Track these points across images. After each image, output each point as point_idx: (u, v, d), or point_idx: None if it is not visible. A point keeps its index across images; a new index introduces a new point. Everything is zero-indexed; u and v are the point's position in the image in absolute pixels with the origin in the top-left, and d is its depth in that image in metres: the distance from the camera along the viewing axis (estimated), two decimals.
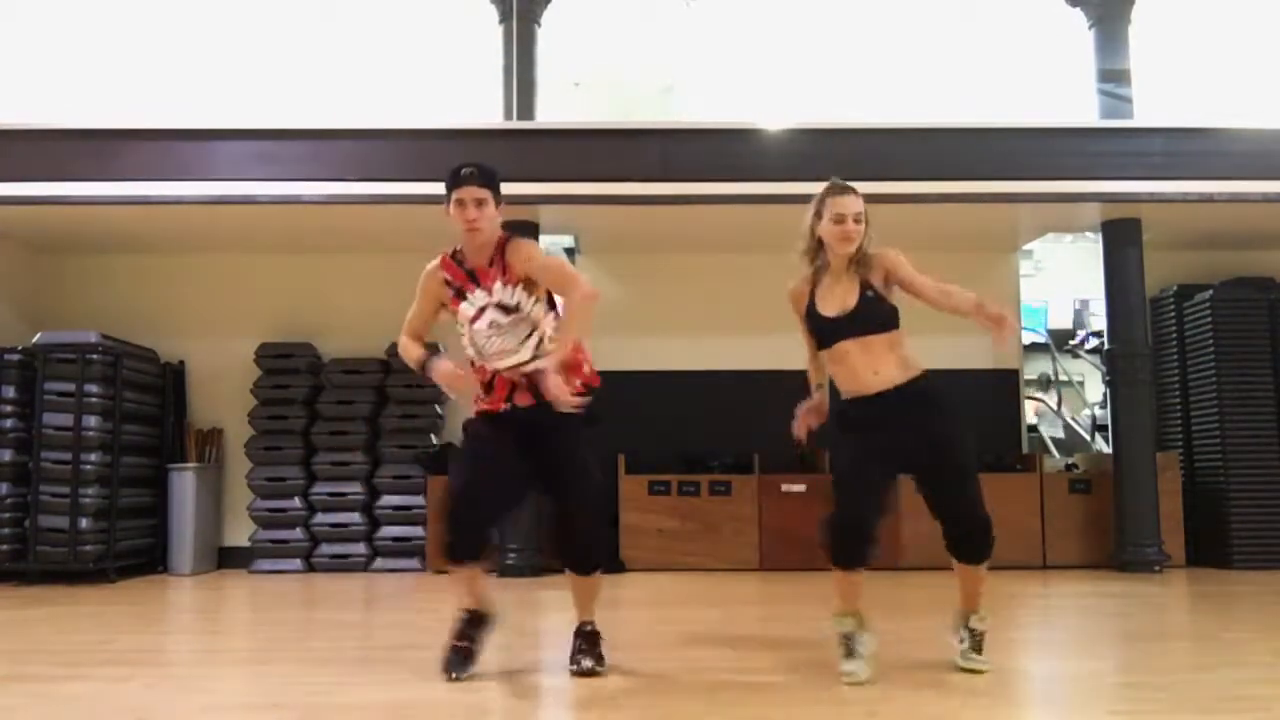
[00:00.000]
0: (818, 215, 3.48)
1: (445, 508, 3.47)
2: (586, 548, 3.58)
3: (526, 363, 3.43)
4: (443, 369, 3.42)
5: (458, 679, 3.37)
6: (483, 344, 3.47)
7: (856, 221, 3.41)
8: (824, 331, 3.48)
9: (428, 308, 3.60)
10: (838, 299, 3.46)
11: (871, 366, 3.41)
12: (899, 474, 3.47)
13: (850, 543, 3.36)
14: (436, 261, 3.56)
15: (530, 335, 3.45)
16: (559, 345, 3.37)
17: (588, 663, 3.47)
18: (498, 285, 3.45)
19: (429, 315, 3.61)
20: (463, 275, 3.50)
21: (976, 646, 3.48)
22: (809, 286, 3.54)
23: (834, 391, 3.57)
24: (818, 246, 3.51)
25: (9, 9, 7.96)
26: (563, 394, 3.25)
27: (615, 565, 6.99)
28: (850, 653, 3.39)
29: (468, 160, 3.50)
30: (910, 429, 3.37)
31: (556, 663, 3.61)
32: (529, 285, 3.45)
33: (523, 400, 3.45)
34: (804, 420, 3.56)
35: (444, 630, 3.56)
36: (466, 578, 3.54)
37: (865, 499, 3.36)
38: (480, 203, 3.42)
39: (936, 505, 3.46)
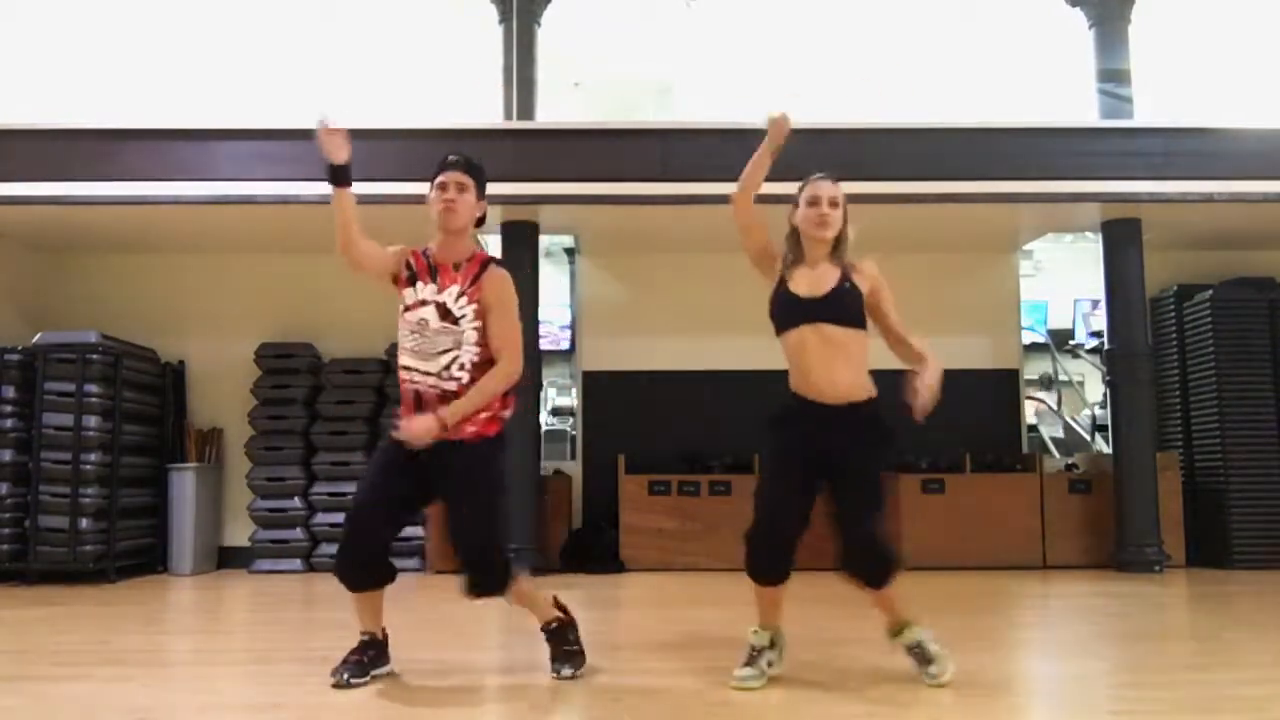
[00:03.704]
0: (795, 204, 3.43)
1: (344, 538, 3.38)
2: (475, 571, 3.35)
3: (434, 374, 3.32)
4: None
5: (346, 683, 3.30)
6: (403, 335, 3.39)
7: (833, 206, 3.34)
8: (788, 310, 3.33)
9: (385, 256, 3.46)
10: (811, 281, 3.35)
11: (829, 373, 3.26)
12: (821, 482, 3.32)
13: (767, 557, 3.31)
14: (408, 247, 3.49)
15: (448, 352, 3.34)
16: (465, 400, 3.28)
17: (567, 671, 3.42)
18: (453, 289, 3.38)
19: (378, 253, 3.45)
20: (424, 266, 3.44)
21: (923, 659, 3.30)
22: (782, 265, 3.42)
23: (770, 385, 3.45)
24: (795, 237, 3.43)
25: (9, 9, 7.96)
26: (422, 436, 3.21)
27: (615, 565, 7.00)
28: (751, 662, 3.34)
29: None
30: (836, 450, 3.24)
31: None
32: (481, 312, 3.38)
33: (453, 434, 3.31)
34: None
35: (444, 630, 3.56)
36: (366, 600, 3.45)
37: (786, 512, 3.26)
38: (461, 187, 3.39)
39: (838, 523, 3.29)
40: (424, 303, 3.39)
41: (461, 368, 3.34)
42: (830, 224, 3.34)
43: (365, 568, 3.39)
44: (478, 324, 3.37)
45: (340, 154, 3.38)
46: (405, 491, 3.40)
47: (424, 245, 3.50)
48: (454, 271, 3.42)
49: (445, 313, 3.37)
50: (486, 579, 3.34)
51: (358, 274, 3.49)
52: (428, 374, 3.34)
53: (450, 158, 3.45)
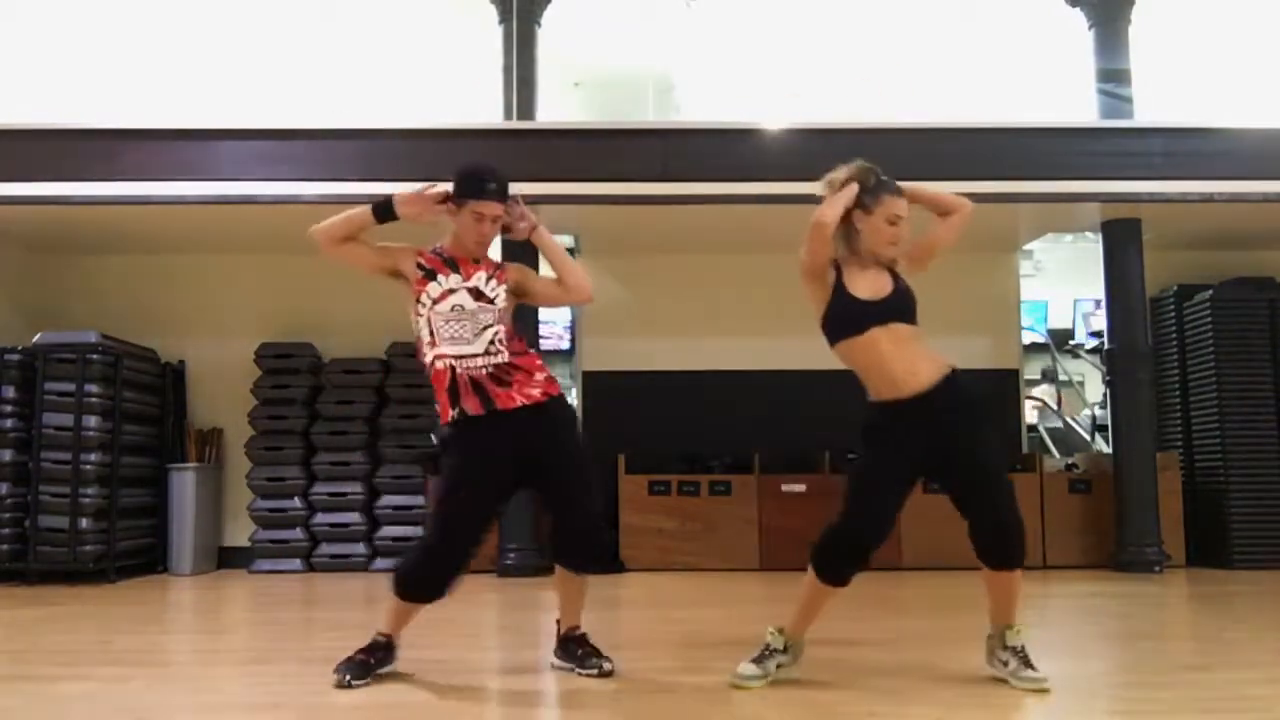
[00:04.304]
0: (865, 209, 3.30)
1: (424, 541, 3.39)
2: (594, 543, 3.49)
3: (480, 355, 3.35)
4: (403, 197, 3.40)
5: (349, 683, 3.29)
6: (439, 326, 3.38)
7: (902, 223, 3.34)
8: (858, 315, 3.27)
9: (382, 253, 3.47)
10: (869, 283, 3.31)
11: (907, 364, 3.23)
12: (919, 481, 3.32)
13: (848, 560, 3.25)
14: (415, 246, 3.50)
15: (488, 329, 3.37)
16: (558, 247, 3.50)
17: (608, 665, 3.42)
18: (481, 274, 3.43)
19: (370, 250, 3.45)
20: (438, 261, 3.46)
21: (1026, 661, 3.24)
22: (834, 267, 3.33)
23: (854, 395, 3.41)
24: (851, 236, 3.34)
25: (9, 9, 7.95)
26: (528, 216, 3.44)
27: (615, 565, 6.99)
28: (759, 662, 3.30)
29: (473, 160, 3.49)
30: (945, 433, 3.22)
31: (555, 664, 3.58)
32: (512, 293, 3.46)
33: (506, 403, 3.35)
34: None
35: (444, 630, 3.56)
36: (408, 611, 3.44)
37: (878, 517, 3.23)
38: (496, 219, 3.43)
39: (966, 507, 3.26)
40: (453, 291, 3.41)
41: (501, 342, 3.38)
42: (901, 243, 3.35)
43: (440, 586, 3.36)
44: (505, 305, 3.42)
45: (408, 212, 3.42)
46: (496, 499, 3.44)
47: (432, 247, 3.51)
48: (474, 263, 3.47)
49: (479, 295, 3.41)
50: (603, 548, 3.47)
51: (338, 264, 3.50)
52: (475, 355, 3.36)
53: (490, 185, 3.40)
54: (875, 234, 3.31)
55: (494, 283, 3.43)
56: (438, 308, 3.40)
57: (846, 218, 3.33)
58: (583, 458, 3.48)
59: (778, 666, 3.33)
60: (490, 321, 3.38)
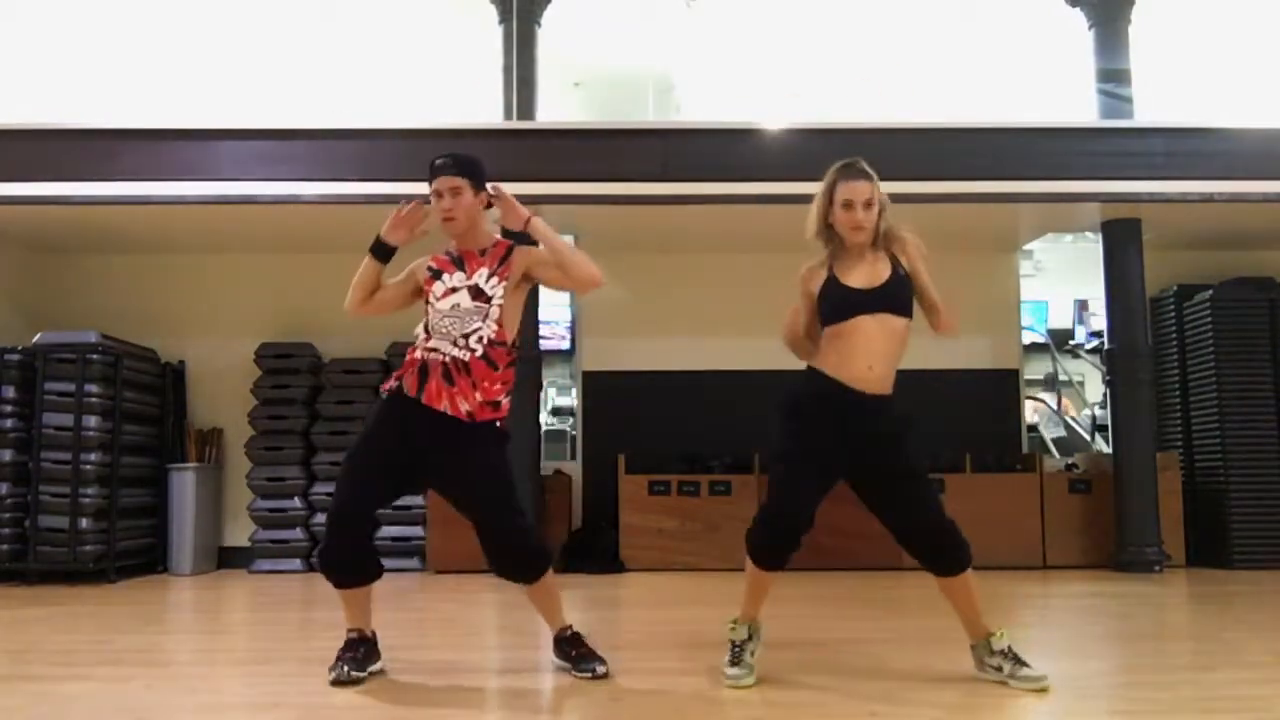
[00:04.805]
0: (829, 200, 3.32)
1: (325, 530, 3.43)
2: (521, 557, 3.43)
3: (450, 347, 3.35)
4: (392, 220, 3.46)
5: (349, 675, 3.31)
6: (436, 322, 3.40)
7: (868, 207, 3.27)
8: (845, 302, 3.27)
9: (404, 282, 3.55)
10: (865, 273, 3.30)
11: (869, 359, 3.24)
12: (838, 480, 3.32)
13: (782, 543, 3.26)
14: (428, 257, 3.56)
15: (475, 330, 3.37)
16: (556, 240, 3.43)
17: (601, 668, 3.41)
18: (483, 271, 3.42)
19: (394, 288, 3.54)
20: (447, 260, 3.49)
21: (1019, 660, 3.23)
22: (826, 267, 3.35)
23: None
24: (830, 232, 3.35)
25: (9, 9, 7.95)
26: (519, 210, 3.41)
27: (615, 565, 7.00)
28: (737, 660, 3.33)
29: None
30: (866, 433, 3.25)
31: (555, 663, 3.59)
32: (523, 280, 3.45)
33: (438, 400, 3.34)
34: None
35: (444, 630, 3.56)
36: (348, 599, 3.45)
37: (807, 497, 3.24)
38: (455, 191, 3.40)
39: (893, 517, 3.28)
40: (455, 289, 3.42)
41: (479, 341, 3.36)
42: (866, 226, 3.29)
43: (351, 564, 3.41)
44: (503, 302, 3.40)
45: (397, 237, 3.47)
46: (393, 484, 3.44)
47: (444, 249, 3.54)
48: (480, 256, 3.46)
49: (478, 293, 3.41)
50: (525, 559, 3.41)
51: (381, 315, 3.61)
52: (447, 350, 3.37)
53: (437, 161, 3.45)
54: (839, 224, 3.31)
55: (495, 280, 3.42)
56: (439, 305, 3.42)
57: (825, 216, 3.35)
58: (494, 473, 3.40)
59: (753, 654, 3.36)
60: (476, 324, 3.37)
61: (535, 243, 3.47)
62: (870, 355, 3.26)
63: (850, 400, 3.26)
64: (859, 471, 3.32)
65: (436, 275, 3.47)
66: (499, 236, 3.56)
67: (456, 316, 3.39)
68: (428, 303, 3.46)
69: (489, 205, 3.52)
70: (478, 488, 3.39)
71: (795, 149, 6.50)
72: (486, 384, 3.37)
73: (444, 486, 3.49)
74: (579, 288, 3.65)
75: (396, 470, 3.41)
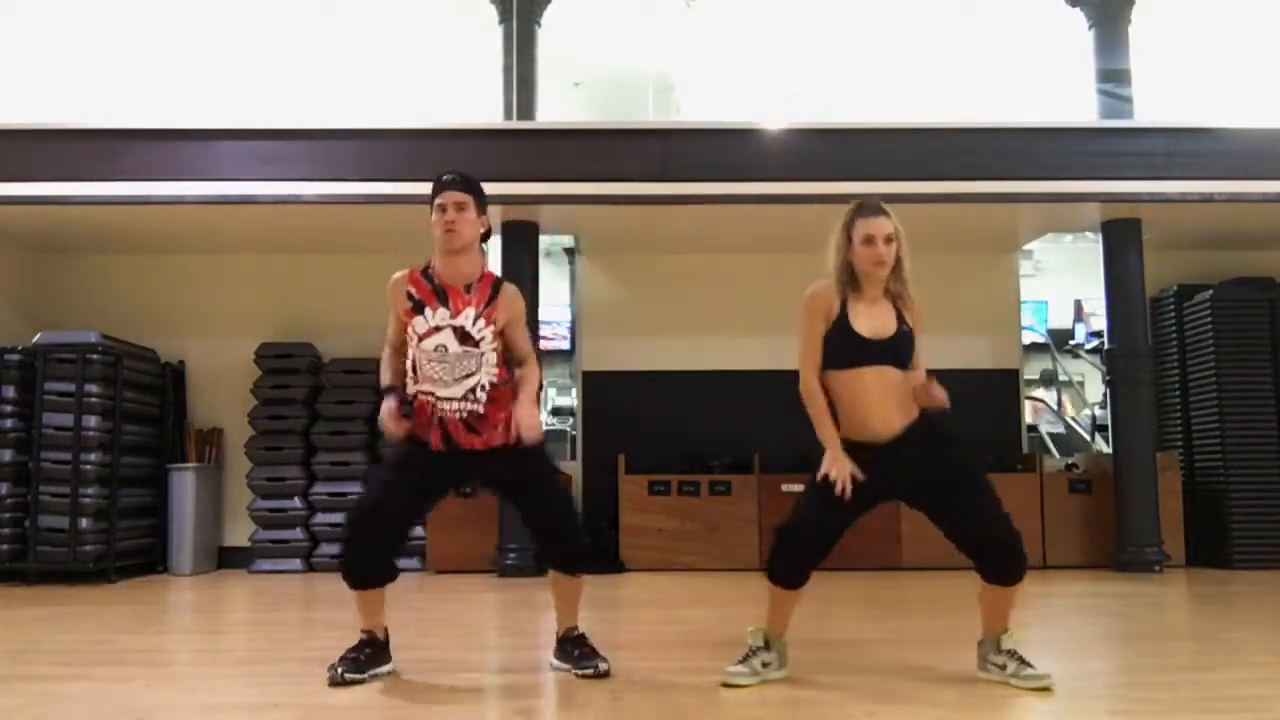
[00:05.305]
0: (847, 237, 3.28)
1: (347, 529, 3.44)
2: (577, 548, 3.55)
3: (458, 399, 3.34)
4: (386, 408, 3.37)
5: (342, 677, 3.32)
6: (423, 365, 3.36)
7: (888, 243, 3.25)
8: (854, 350, 3.25)
9: (395, 318, 3.50)
10: (876, 321, 3.28)
11: (883, 412, 3.24)
12: (874, 507, 3.32)
13: (798, 567, 3.30)
14: (405, 273, 3.47)
15: (470, 376, 3.34)
16: (527, 386, 3.42)
17: (604, 665, 3.43)
18: (469, 312, 3.37)
19: (402, 327, 3.47)
20: (428, 290, 3.40)
21: (1023, 661, 3.25)
22: (839, 297, 3.29)
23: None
24: (849, 271, 3.28)
25: (9, 9, 7.96)
26: (535, 427, 3.35)
27: (615, 565, 7.00)
28: (745, 660, 3.35)
29: (464, 164, 3.49)
30: (913, 469, 3.25)
31: (554, 665, 3.58)
32: (499, 331, 3.42)
33: (470, 443, 3.38)
34: (844, 479, 3.21)
35: (444, 630, 3.56)
36: (362, 600, 3.47)
37: (829, 536, 3.28)
38: (460, 206, 3.37)
39: (958, 529, 3.26)
40: (438, 329, 3.36)
41: (483, 389, 3.36)
42: (887, 260, 3.27)
43: (373, 566, 3.41)
44: (496, 345, 3.39)
45: (395, 430, 3.41)
46: (424, 492, 3.48)
47: (423, 264, 3.48)
48: (465, 294, 3.40)
49: (465, 337, 3.36)
50: (583, 552, 3.55)
51: None
52: (451, 399, 3.35)
53: (445, 177, 3.43)
54: (859, 260, 3.28)
55: (481, 323, 3.37)
56: (422, 344, 3.37)
57: (843, 254, 3.31)
58: (542, 472, 3.49)
59: (764, 665, 3.35)
60: (472, 369, 3.35)
61: (526, 276, 3.48)
62: (883, 409, 3.26)
63: (880, 454, 3.26)
64: (903, 494, 3.36)
65: (418, 309, 3.38)
66: (485, 268, 3.51)
67: (445, 362, 3.35)
68: (407, 333, 3.40)
69: (487, 235, 3.51)
70: (529, 487, 3.47)
71: (795, 149, 6.50)
72: (502, 412, 3.40)
73: (493, 486, 3.62)
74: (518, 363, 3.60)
75: (434, 482, 3.47)
